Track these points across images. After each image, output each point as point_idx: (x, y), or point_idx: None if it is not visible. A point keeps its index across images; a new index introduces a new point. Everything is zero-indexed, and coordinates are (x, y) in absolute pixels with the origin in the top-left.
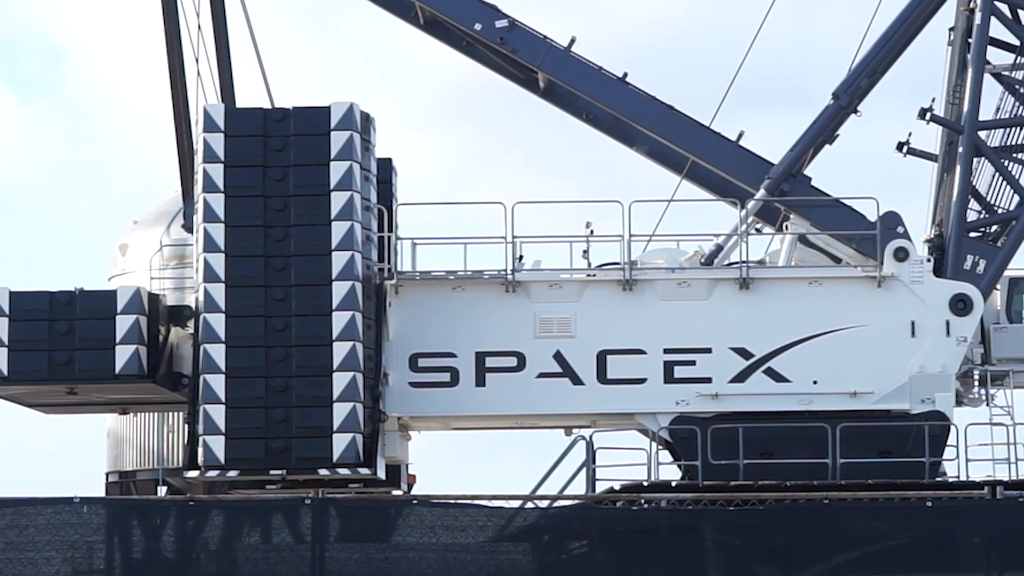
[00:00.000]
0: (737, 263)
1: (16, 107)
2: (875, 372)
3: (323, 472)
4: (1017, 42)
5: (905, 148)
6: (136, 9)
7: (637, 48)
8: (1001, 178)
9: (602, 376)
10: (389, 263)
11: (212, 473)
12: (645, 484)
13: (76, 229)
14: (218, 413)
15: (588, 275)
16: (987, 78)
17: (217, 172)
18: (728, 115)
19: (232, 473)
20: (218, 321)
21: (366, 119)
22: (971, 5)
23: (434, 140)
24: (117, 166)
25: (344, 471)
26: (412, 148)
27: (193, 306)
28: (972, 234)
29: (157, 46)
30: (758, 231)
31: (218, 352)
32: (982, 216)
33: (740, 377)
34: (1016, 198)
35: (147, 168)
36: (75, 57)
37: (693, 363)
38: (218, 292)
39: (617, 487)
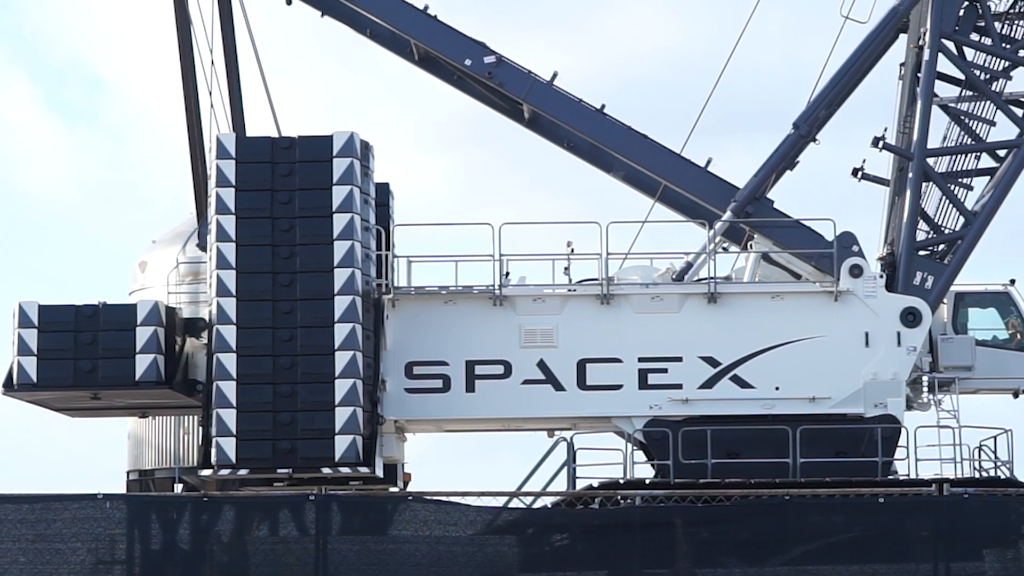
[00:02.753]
0: (706, 279)
1: (61, 132)
2: (832, 379)
3: (326, 471)
4: (962, 76)
5: (860, 173)
6: (169, 41)
7: (634, 76)
8: (947, 201)
9: (582, 383)
10: (386, 279)
11: (224, 472)
12: (621, 482)
13: (111, 245)
14: (230, 416)
15: (569, 290)
16: (935, 109)
17: (229, 196)
18: (717, 140)
19: (243, 472)
20: (230, 332)
21: (365, 147)
22: (920, 42)
23: (445, 163)
24: (151, 187)
25: (345, 470)
26: (425, 170)
27: (207, 318)
28: (921, 252)
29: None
30: (725, 250)
31: (230, 361)
32: (930, 236)
33: (708, 384)
34: (961, 219)
35: (179, 189)
36: (114, 85)
37: (665, 371)
38: (230, 306)
39: (595, 484)
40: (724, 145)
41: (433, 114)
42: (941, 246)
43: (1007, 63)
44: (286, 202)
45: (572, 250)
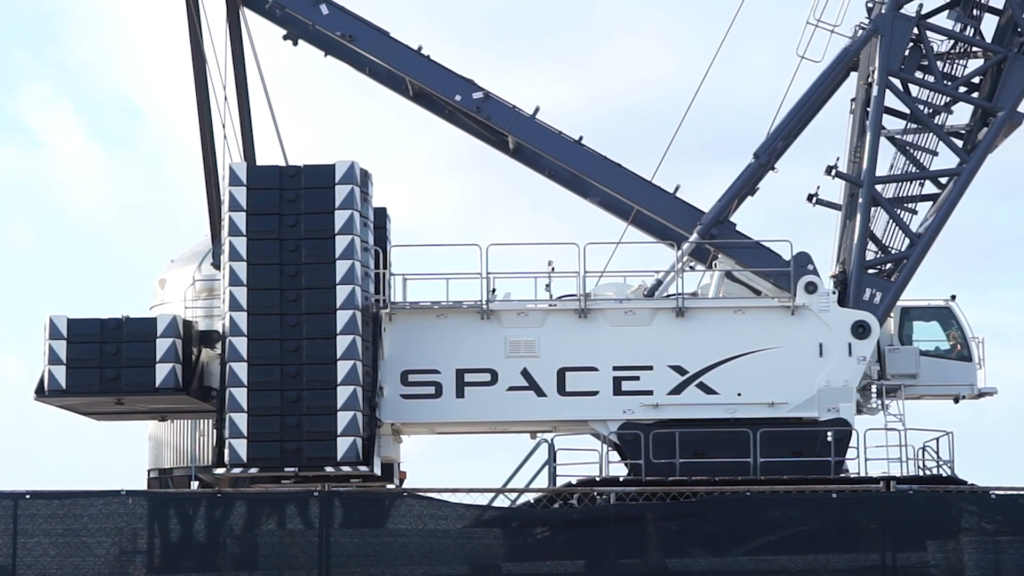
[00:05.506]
0: (674, 295)
1: (102, 157)
2: (789, 386)
3: (329, 469)
4: (907, 111)
5: (814, 199)
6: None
7: (629, 104)
8: (894, 224)
9: (561, 389)
10: (384, 295)
11: (236, 470)
12: (597, 479)
13: (147, 262)
14: (241, 420)
15: (550, 305)
16: (883, 140)
17: (240, 219)
18: (704, 165)
19: (253, 470)
20: (241, 343)
21: (364, 175)
22: (869, 80)
23: (453, 185)
24: (185, 208)
25: (346, 468)
26: (435, 191)
27: (220, 331)
28: (870, 271)
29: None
30: (692, 268)
31: (241, 369)
32: (878, 256)
33: (677, 390)
34: (907, 241)
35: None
36: (151, 114)
37: (637, 378)
38: (241, 319)
39: (574, 482)
40: (710, 169)
41: (443, 140)
42: (888, 265)
43: (948, 98)
44: (293, 225)
45: (553, 268)
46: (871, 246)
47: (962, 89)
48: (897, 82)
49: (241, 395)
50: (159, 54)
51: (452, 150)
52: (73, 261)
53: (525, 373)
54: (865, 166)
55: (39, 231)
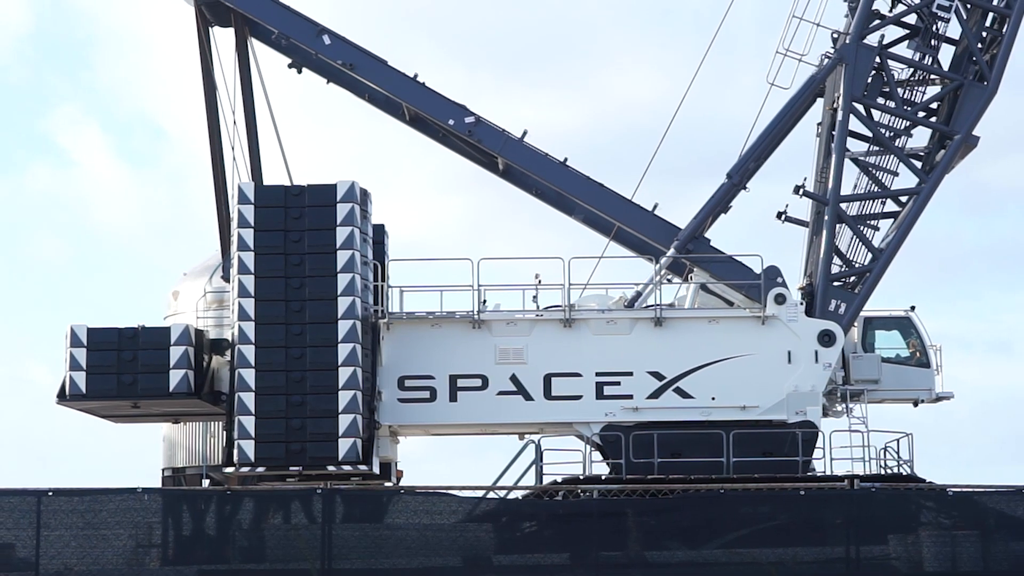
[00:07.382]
0: (652, 306)
1: (129, 175)
2: (760, 390)
3: (331, 468)
4: (870, 134)
5: (783, 216)
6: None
7: (626, 124)
8: (858, 240)
9: (548, 393)
10: (382, 306)
11: (244, 469)
12: (581, 478)
13: (167, 274)
14: (249, 422)
15: (537, 315)
16: (847, 162)
17: (248, 235)
18: (691, 183)
19: (260, 469)
20: (249, 351)
21: (364, 193)
22: (834, 105)
23: (457, 202)
24: (205, 223)
25: (347, 468)
26: (441, 208)
27: (230, 339)
28: (835, 284)
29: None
30: (669, 281)
31: (249, 375)
32: (843, 269)
33: (655, 394)
34: (870, 256)
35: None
36: (174, 135)
37: (618, 383)
38: (249, 328)
39: (559, 480)
40: (699, 186)
41: (446, 161)
42: (852, 278)
43: (908, 123)
44: (297, 241)
45: (540, 281)
46: (836, 260)
47: (921, 114)
48: (860, 107)
49: (249, 399)
50: (182, 79)
51: (455, 170)
52: (99, 273)
53: (514, 379)
54: (831, 186)
55: (68, 244)
